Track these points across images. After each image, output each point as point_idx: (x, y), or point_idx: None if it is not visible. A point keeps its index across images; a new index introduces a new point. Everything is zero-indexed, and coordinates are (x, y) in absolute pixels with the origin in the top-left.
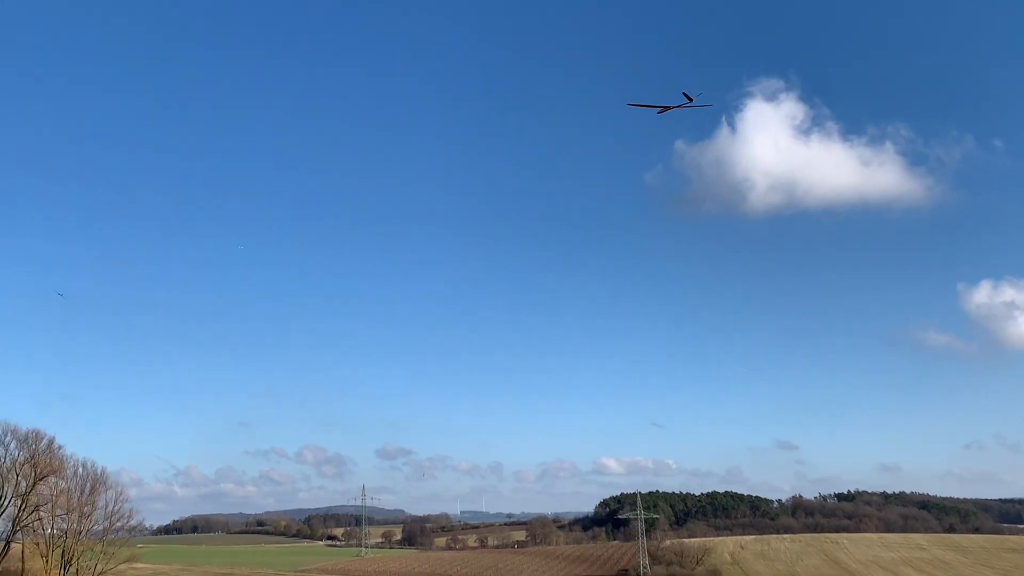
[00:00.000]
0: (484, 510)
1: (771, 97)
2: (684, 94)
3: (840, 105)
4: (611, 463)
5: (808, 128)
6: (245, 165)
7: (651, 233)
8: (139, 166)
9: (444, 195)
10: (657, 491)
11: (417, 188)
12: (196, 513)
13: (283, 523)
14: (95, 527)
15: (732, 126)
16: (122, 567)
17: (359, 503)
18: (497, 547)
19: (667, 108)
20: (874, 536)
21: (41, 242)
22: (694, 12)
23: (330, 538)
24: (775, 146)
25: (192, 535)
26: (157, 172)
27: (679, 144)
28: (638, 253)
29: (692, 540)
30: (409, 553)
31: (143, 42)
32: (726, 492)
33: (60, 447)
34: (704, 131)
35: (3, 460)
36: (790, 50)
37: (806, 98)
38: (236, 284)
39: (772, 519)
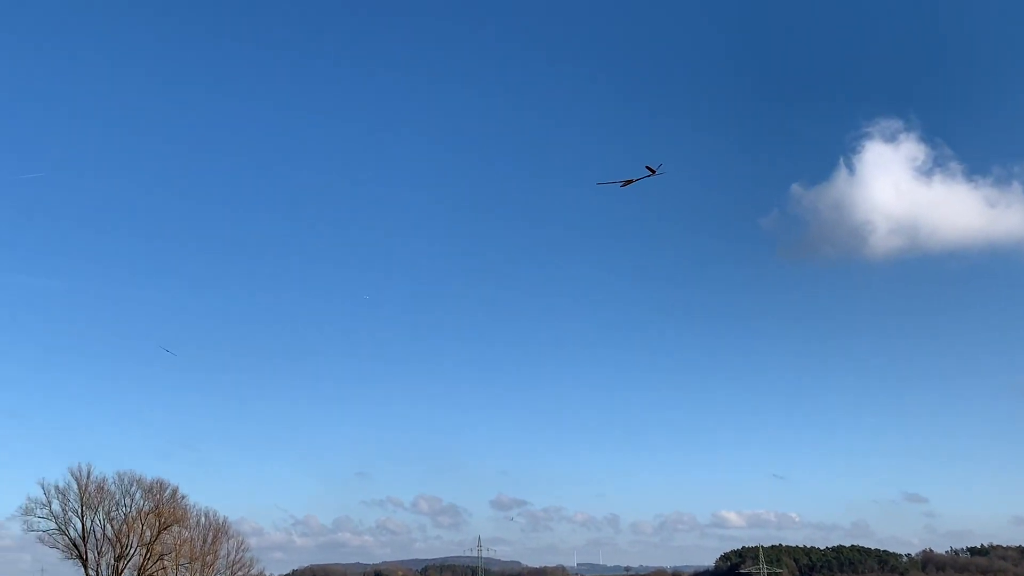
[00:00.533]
0: (601, 562)
1: (890, 138)
2: (647, 167)
3: (963, 145)
4: (731, 516)
5: (930, 169)
6: (348, 223)
7: (766, 279)
8: (248, 225)
9: (551, 240)
10: (780, 545)
11: (541, 236)
12: (315, 563)
13: (400, 573)
14: None
15: (850, 168)
16: None
17: (475, 554)
18: None
19: (630, 181)
20: None
21: (160, 295)
22: (809, 54)
23: None
24: (896, 188)
25: None
26: (267, 229)
27: (795, 187)
28: (753, 300)
29: None
30: None
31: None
32: (852, 546)
33: (183, 497)
34: (821, 174)
35: (129, 510)
36: (909, 90)
37: (927, 138)
38: (352, 338)
39: (901, 574)
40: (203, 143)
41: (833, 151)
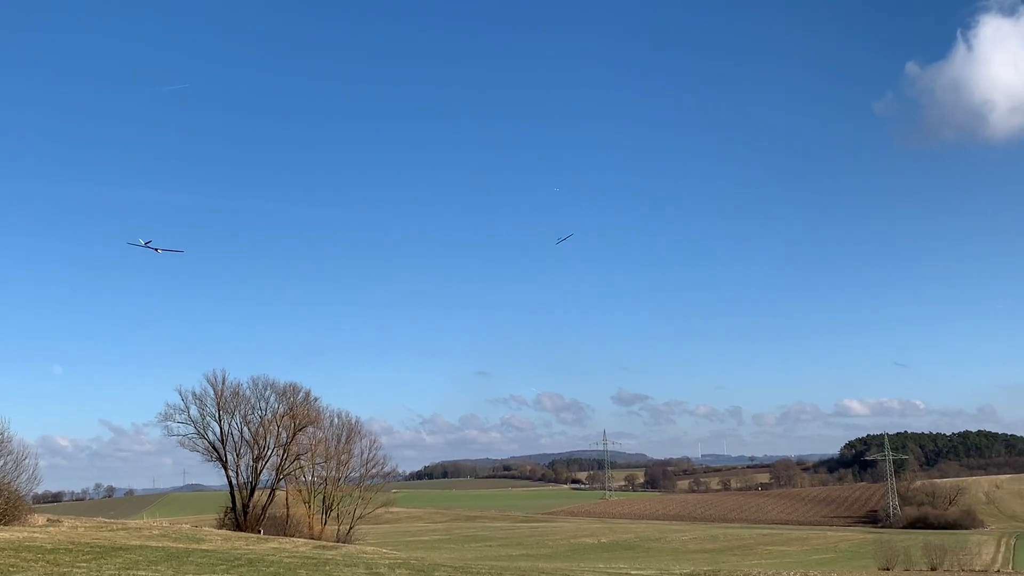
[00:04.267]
0: (725, 453)
1: (1009, 11)
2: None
3: None
4: (854, 404)
5: None
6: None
7: (884, 167)
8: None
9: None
10: (905, 432)
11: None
12: (445, 459)
13: (528, 467)
14: (352, 474)
15: (968, 43)
16: (379, 511)
17: (600, 448)
18: (741, 490)
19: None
20: None
21: (303, 208)
22: None
23: (574, 482)
24: (1016, 64)
25: (443, 480)
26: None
27: (911, 67)
28: (870, 188)
29: (944, 480)
30: (653, 496)
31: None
32: (979, 431)
33: (316, 399)
34: (937, 51)
35: (264, 413)
36: None
37: None
38: (468, 238)
39: None
40: None
41: (949, 26)
